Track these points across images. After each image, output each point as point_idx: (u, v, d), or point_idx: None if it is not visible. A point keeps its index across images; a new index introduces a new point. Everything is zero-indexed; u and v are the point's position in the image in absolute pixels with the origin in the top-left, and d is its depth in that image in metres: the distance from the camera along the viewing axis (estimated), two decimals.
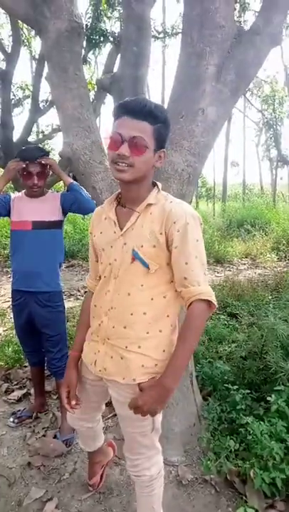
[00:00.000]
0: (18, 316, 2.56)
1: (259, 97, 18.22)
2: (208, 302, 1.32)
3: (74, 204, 2.42)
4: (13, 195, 2.57)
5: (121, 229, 1.42)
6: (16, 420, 2.74)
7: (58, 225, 2.47)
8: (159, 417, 1.51)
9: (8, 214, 2.47)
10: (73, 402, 1.60)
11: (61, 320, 2.54)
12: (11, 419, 2.75)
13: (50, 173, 2.49)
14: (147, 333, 1.39)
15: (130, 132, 1.27)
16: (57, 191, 2.79)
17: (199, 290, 1.31)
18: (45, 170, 2.41)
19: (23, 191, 2.53)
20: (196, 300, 1.31)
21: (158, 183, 1.46)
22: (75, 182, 2.42)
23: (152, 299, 1.39)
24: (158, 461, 1.63)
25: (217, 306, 1.36)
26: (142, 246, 1.35)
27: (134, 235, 1.37)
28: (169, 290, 1.42)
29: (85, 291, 1.63)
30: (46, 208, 2.44)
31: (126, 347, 1.40)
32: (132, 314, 1.38)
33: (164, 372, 1.34)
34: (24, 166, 2.35)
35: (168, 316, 1.43)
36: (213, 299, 1.33)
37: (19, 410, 2.86)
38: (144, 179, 1.38)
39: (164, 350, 1.42)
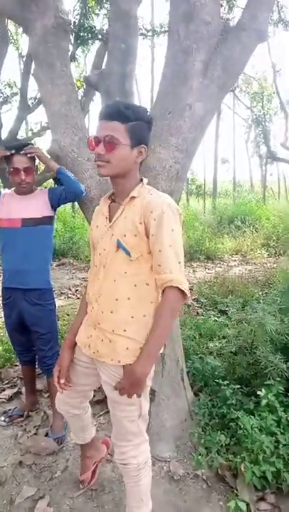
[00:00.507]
0: (8, 315, 2.54)
1: (248, 93, 18.27)
2: (181, 291, 1.40)
3: (62, 194, 2.38)
4: (4, 191, 2.54)
5: (110, 222, 1.53)
6: (7, 419, 2.73)
7: (47, 221, 2.44)
8: (146, 405, 1.60)
9: None
10: (62, 381, 1.69)
11: (52, 318, 2.53)
12: (2, 418, 2.74)
13: (39, 171, 2.47)
14: (132, 317, 1.48)
15: (104, 132, 1.41)
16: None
17: (170, 277, 1.39)
18: (32, 166, 2.38)
19: (13, 189, 2.51)
20: (168, 287, 1.40)
21: (144, 178, 1.58)
22: (62, 167, 2.38)
23: (136, 286, 1.48)
24: (145, 451, 1.68)
25: (190, 295, 1.41)
26: (124, 235, 1.45)
27: (119, 226, 1.48)
28: (152, 278, 1.49)
29: (76, 290, 1.70)
30: (35, 205, 2.41)
31: (113, 330, 1.49)
32: (117, 300, 1.49)
33: (136, 359, 1.44)
34: (9, 154, 2.32)
35: (151, 302, 1.51)
36: (185, 288, 1.39)
37: (10, 409, 2.85)
38: (127, 174, 1.50)
39: (148, 334, 1.48)
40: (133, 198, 1.48)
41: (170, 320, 1.44)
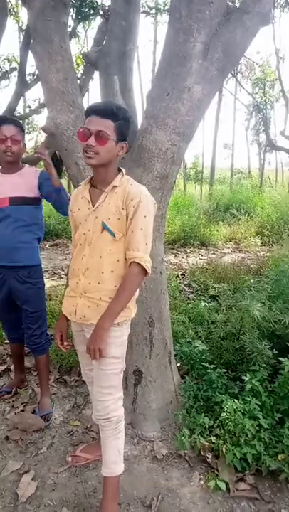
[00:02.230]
0: None
1: (250, 80, 18.01)
2: (142, 267, 1.66)
3: (51, 201, 2.41)
4: None
5: (93, 205, 1.75)
6: None
7: (35, 201, 2.43)
8: (123, 362, 1.85)
9: None
10: (65, 343, 1.97)
11: (41, 297, 2.53)
12: None
13: (24, 145, 2.42)
14: (115, 286, 1.73)
15: (96, 127, 1.61)
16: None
17: (136, 255, 1.66)
18: (20, 137, 2.35)
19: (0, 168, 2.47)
20: (132, 262, 1.67)
21: (122, 169, 1.79)
22: (61, 186, 2.39)
23: (118, 261, 1.73)
24: (121, 407, 1.87)
25: (150, 272, 1.70)
26: (109, 218, 1.69)
27: (103, 210, 1.71)
28: None
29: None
30: (23, 184, 2.39)
31: (100, 298, 1.74)
32: (102, 272, 1.73)
33: (102, 316, 1.68)
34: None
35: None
36: (146, 265, 1.66)
37: None
38: (110, 165, 1.71)
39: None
40: (115, 186, 1.72)
41: (131, 289, 1.70)
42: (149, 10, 7.28)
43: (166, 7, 7.23)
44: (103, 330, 1.68)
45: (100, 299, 1.74)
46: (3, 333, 3.46)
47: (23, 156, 2.55)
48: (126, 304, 1.70)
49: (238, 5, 2.22)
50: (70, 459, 2.20)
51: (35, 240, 2.47)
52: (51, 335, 2.63)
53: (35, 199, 2.43)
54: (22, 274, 2.42)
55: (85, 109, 1.73)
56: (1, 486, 2.04)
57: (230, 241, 9.05)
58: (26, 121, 15.58)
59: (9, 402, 2.75)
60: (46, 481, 2.08)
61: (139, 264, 1.66)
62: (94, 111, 1.65)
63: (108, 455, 1.85)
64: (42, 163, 2.56)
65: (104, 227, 1.69)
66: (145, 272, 1.68)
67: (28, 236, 2.41)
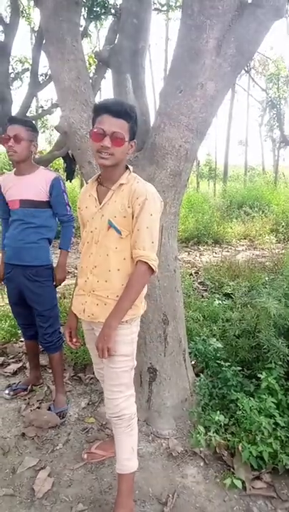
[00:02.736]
0: (9, 289, 2.60)
1: (264, 75, 17.81)
2: (149, 266, 1.66)
3: (58, 217, 2.55)
4: (1, 179, 2.58)
5: (100, 203, 1.75)
6: (11, 392, 2.79)
7: (44, 205, 2.46)
8: (134, 359, 1.84)
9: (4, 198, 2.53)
10: (74, 340, 1.95)
11: (51, 295, 2.55)
12: (7, 392, 2.80)
13: (34, 146, 2.45)
14: (122, 284, 1.71)
15: (111, 128, 1.58)
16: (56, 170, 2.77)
17: (142, 253, 1.65)
18: (24, 136, 2.36)
19: (14, 170, 2.54)
20: (139, 261, 1.66)
21: (130, 166, 1.78)
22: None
23: (124, 259, 1.72)
24: (134, 404, 1.86)
25: (156, 271, 1.70)
26: (115, 217, 1.68)
27: (110, 208, 1.70)
28: None
29: None
30: (33, 188, 2.43)
31: (107, 296, 1.74)
32: (109, 271, 1.72)
33: (107, 319, 1.68)
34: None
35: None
36: (152, 263, 1.66)
37: (14, 383, 2.92)
38: (120, 164, 1.70)
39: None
40: (122, 184, 1.70)
41: (138, 287, 1.69)
42: (160, 7, 7.26)
43: (178, 3, 7.20)
44: (111, 328, 1.67)
45: (108, 297, 1.74)
46: (19, 331, 3.52)
47: (36, 156, 2.58)
48: (133, 302, 1.69)
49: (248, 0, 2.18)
50: (85, 455, 2.22)
51: (44, 241, 2.50)
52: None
53: (45, 202, 2.46)
54: (30, 272, 2.46)
55: (95, 105, 1.69)
56: (18, 481, 2.07)
57: (245, 238, 8.99)
58: (39, 121, 15.69)
59: (25, 399, 2.78)
60: (62, 478, 2.10)
61: (145, 262, 1.65)
62: (106, 110, 1.61)
63: (121, 452, 1.85)
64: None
65: (111, 225, 1.68)
66: (152, 270, 1.68)
67: (36, 237, 2.45)
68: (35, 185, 2.42)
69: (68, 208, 2.54)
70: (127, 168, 1.78)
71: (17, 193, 2.43)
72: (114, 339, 1.68)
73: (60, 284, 2.53)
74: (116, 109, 1.60)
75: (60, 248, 2.59)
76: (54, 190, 2.44)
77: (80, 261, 1.90)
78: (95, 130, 1.61)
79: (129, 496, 1.86)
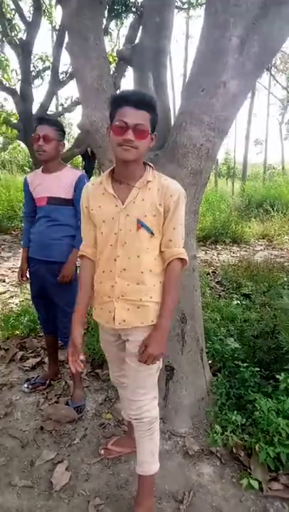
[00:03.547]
0: (33, 282, 2.68)
1: (285, 73, 17.57)
2: (182, 260, 1.68)
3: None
4: (28, 176, 2.65)
5: (122, 202, 1.64)
6: (30, 386, 2.84)
7: (70, 202, 2.51)
8: (161, 360, 1.80)
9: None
10: (81, 357, 1.80)
11: (72, 291, 2.57)
12: (25, 385, 2.85)
13: (61, 145, 2.51)
14: (154, 285, 1.69)
15: (134, 120, 1.50)
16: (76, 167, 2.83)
17: (180, 251, 1.67)
18: (54, 136, 2.43)
19: (41, 167, 2.59)
20: (176, 259, 1.66)
21: (149, 163, 1.69)
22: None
23: (155, 259, 1.69)
24: (156, 407, 1.82)
25: (188, 263, 1.72)
26: (145, 216, 1.61)
27: (137, 207, 1.62)
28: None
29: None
30: (60, 185, 2.48)
31: (140, 299, 1.68)
32: (142, 272, 1.66)
33: (161, 317, 1.68)
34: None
35: (162, 270, 1.73)
36: (187, 258, 1.68)
37: (33, 377, 2.96)
38: (141, 158, 1.63)
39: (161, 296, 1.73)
40: (148, 181, 1.63)
41: (178, 284, 1.72)
42: (181, 5, 7.22)
43: (200, 1, 7.16)
44: (165, 332, 1.66)
45: (141, 300, 1.68)
46: (38, 326, 3.57)
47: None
48: (177, 299, 1.70)
49: None
50: (102, 451, 2.24)
51: (69, 238, 2.52)
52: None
53: (70, 200, 2.50)
54: (53, 267, 2.52)
55: (113, 97, 1.60)
56: (36, 474, 2.11)
57: (263, 238, 8.89)
58: (59, 119, 15.82)
59: (43, 393, 2.82)
60: (79, 472, 2.13)
61: (180, 259, 1.66)
62: (127, 101, 1.51)
63: (142, 455, 1.84)
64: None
65: (142, 225, 1.61)
66: (184, 263, 1.70)
67: (61, 234, 2.50)
68: (62, 183, 2.48)
69: None
70: (144, 164, 1.70)
71: (45, 190, 2.50)
72: (167, 342, 1.66)
73: (62, 280, 2.52)
74: (137, 100, 1.51)
75: (73, 246, 2.57)
76: (78, 187, 2.47)
77: (98, 267, 1.77)
78: (117, 123, 1.51)
79: (150, 496, 1.86)
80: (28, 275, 2.70)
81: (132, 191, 1.63)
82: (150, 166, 1.69)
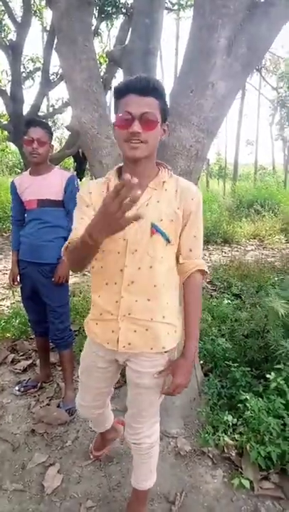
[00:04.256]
0: (24, 284, 2.67)
1: (275, 74, 17.70)
2: (202, 272, 1.50)
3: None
4: (16, 179, 2.63)
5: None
6: (21, 389, 2.83)
7: (60, 204, 2.51)
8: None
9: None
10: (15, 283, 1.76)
11: (63, 292, 2.61)
12: (17, 388, 2.84)
13: (54, 147, 2.53)
14: (167, 303, 1.46)
15: (140, 109, 1.27)
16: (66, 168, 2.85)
17: (201, 262, 1.48)
18: (46, 140, 2.45)
19: (29, 169, 2.59)
20: (197, 271, 1.48)
21: (161, 162, 1.49)
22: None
23: (168, 271, 1.45)
24: (157, 430, 1.71)
25: (208, 275, 1.54)
26: (161, 220, 1.38)
27: (151, 210, 1.38)
28: (174, 261, 1.49)
29: (93, 267, 1.48)
30: (50, 187, 2.48)
31: (151, 319, 1.43)
32: (155, 286, 1.41)
33: (188, 339, 1.46)
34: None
35: (176, 286, 1.52)
36: (207, 269, 1.51)
37: (24, 380, 2.95)
38: (153, 154, 1.40)
39: (178, 318, 1.53)
40: (164, 182, 1.41)
41: (201, 300, 1.53)
42: (171, 6, 7.25)
43: (189, 3, 7.19)
44: (194, 356, 1.47)
45: (152, 320, 1.43)
46: (29, 329, 3.56)
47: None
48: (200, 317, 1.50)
49: None
50: (91, 456, 2.23)
51: (60, 240, 2.51)
52: (75, 330, 2.68)
53: (61, 202, 2.51)
54: (45, 269, 2.51)
55: (116, 87, 1.35)
56: (28, 477, 2.10)
57: (254, 238, 8.94)
58: (50, 120, 15.78)
59: (35, 396, 2.81)
60: (71, 474, 2.12)
61: (200, 270, 1.48)
62: (130, 89, 1.29)
63: (138, 473, 1.76)
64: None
65: (157, 230, 1.37)
66: (204, 275, 1.52)
67: (52, 236, 2.49)
68: (52, 185, 2.48)
69: None
70: (157, 163, 1.48)
71: (34, 193, 2.49)
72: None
73: (58, 280, 2.51)
74: (142, 86, 1.28)
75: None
76: (68, 188, 2.49)
77: (96, 276, 1.51)
78: (121, 115, 1.29)
79: (143, 505, 1.84)
80: (18, 279, 2.69)
81: (145, 192, 1.39)
82: (163, 164, 1.47)
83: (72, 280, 2.68)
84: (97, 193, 1.45)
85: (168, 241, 1.39)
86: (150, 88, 1.28)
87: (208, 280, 5.36)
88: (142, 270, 1.40)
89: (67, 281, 2.60)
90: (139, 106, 1.27)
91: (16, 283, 2.69)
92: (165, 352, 1.48)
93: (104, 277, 1.46)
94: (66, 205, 2.50)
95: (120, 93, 1.32)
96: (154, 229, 1.37)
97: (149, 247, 1.38)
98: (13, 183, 2.61)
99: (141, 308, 1.42)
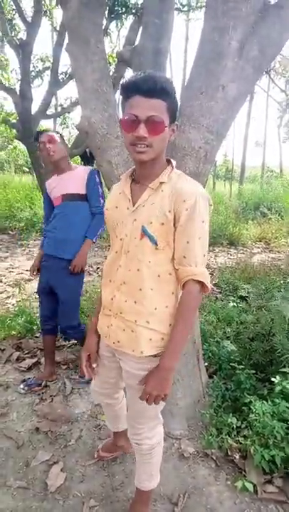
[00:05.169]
0: (41, 276, 2.80)
1: (284, 76, 17.64)
2: (202, 283, 1.36)
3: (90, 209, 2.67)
4: (48, 181, 2.80)
5: (134, 205, 1.42)
6: (26, 387, 2.84)
7: (84, 198, 2.63)
8: None
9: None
10: (94, 365, 1.68)
11: (76, 286, 2.73)
12: (21, 386, 2.85)
13: (66, 145, 2.64)
14: (155, 308, 1.42)
15: (146, 112, 1.24)
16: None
17: (195, 271, 1.34)
18: (56, 138, 2.60)
19: (56, 171, 2.74)
20: (190, 280, 1.36)
21: (172, 160, 1.46)
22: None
23: (159, 276, 1.40)
24: (159, 432, 1.70)
25: (211, 289, 1.40)
26: (150, 223, 1.35)
27: (145, 212, 1.37)
28: (174, 268, 1.42)
29: (98, 267, 1.66)
30: (74, 182, 2.63)
31: (135, 321, 1.43)
32: (140, 290, 1.40)
33: (163, 354, 1.40)
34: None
35: (173, 293, 1.45)
36: (207, 282, 1.36)
37: (29, 378, 2.96)
38: (160, 156, 1.38)
39: (170, 325, 1.45)
40: (162, 183, 1.38)
41: (193, 314, 1.40)
42: (181, 7, 7.24)
43: (199, 4, 7.18)
44: (169, 371, 1.39)
45: (135, 323, 1.43)
46: (35, 327, 3.58)
47: None
48: (189, 333, 1.42)
49: (272, 1, 2.17)
50: (96, 455, 2.23)
51: (83, 237, 2.65)
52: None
53: (84, 196, 2.63)
54: (65, 263, 2.64)
55: (123, 84, 1.30)
56: (31, 475, 2.10)
57: (260, 241, 8.91)
58: (59, 119, 15.84)
59: (39, 394, 2.81)
60: (74, 473, 2.12)
61: (198, 281, 1.35)
62: (136, 89, 1.25)
63: (140, 473, 1.77)
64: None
65: (145, 233, 1.35)
66: (205, 289, 1.38)
67: (76, 232, 2.63)
68: (75, 180, 2.63)
69: (101, 200, 2.67)
70: (168, 161, 1.45)
71: (60, 190, 2.65)
72: (171, 382, 1.42)
73: (74, 271, 2.61)
74: (149, 87, 1.23)
75: (85, 236, 2.66)
76: (90, 181, 2.62)
77: (104, 272, 1.57)
78: (126, 117, 1.27)
79: (146, 506, 1.85)
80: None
81: (143, 193, 1.40)
82: (171, 163, 1.44)
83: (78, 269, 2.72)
84: (115, 193, 1.54)
85: (156, 244, 1.36)
86: (157, 89, 1.24)
87: (213, 282, 5.36)
88: (131, 272, 1.41)
89: (83, 271, 2.70)
90: (145, 109, 1.24)
91: (35, 273, 2.85)
92: (146, 357, 1.44)
93: (108, 273, 1.53)
94: (88, 199, 2.62)
95: (127, 92, 1.28)
96: (143, 232, 1.36)
97: (138, 250, 1.39)
98: (46, 183, 2.79)
99: (128, 309, 1.44)
